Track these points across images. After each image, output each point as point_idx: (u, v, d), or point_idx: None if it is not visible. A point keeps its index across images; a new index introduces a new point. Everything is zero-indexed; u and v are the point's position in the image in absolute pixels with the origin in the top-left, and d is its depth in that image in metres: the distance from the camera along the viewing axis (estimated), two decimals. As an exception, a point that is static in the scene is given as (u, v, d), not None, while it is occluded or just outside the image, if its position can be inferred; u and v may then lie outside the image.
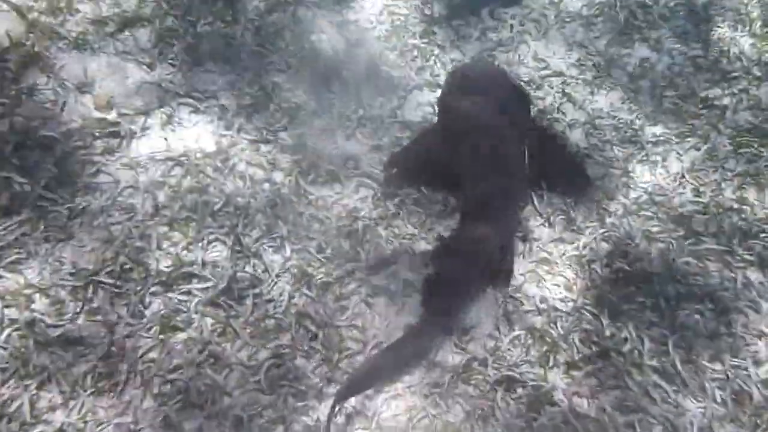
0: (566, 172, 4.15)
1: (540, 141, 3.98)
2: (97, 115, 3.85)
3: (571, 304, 3.62)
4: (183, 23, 4.35)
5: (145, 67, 4.14)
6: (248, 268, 3.53)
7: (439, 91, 4.26)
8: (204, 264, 3.49)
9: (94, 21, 4.21)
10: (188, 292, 3.39)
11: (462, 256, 3.53)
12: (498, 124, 3.82)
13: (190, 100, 4.05)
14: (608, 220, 3.95)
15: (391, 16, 4.79)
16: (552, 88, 4.60)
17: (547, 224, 3.93)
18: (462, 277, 3.51)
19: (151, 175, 3.74)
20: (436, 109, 4.24)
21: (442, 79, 4.52)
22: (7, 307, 3.15)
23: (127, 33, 4.24)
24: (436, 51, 4.70)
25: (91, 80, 3.98)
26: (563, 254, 3.82)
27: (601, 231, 3.91)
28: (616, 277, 3.74)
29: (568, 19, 5.01)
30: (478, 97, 3.88)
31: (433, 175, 4.00)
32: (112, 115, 3.87)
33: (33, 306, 3.20)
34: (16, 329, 3.12)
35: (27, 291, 3.23)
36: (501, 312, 3.57)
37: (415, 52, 4.65)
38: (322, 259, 3.62)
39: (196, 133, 3.96)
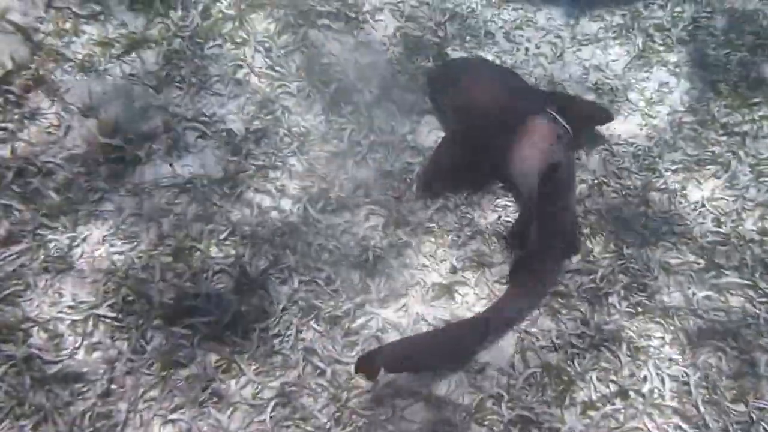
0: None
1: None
2: (102, 140, 3.75)
3: (588, 339, 3.49)
4: (191, 45, 4.25)
5: (151, 90, 4.04)
6: (254, 301, 3.42)
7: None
8: (208, 296, 3.38)
9: (101, 42, 4.12)
10: (191, 327, 3.27)
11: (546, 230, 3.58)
12: (522, 103, 4.07)
13: (197, 125, 3.95)
14: (626, 251, 3.81)
15: (404, 38, 4.68)
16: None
17: (563, 255, 3.81)
18: (548, 251, 3.62)
19: (155, 203, 3.64)
20: (447, 112, 4.28)
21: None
22: (3, 342, 3.04)
23: (133, 55, 4.15)
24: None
25: (97, 104, 3.88)
26: (579, 286, 3.69)
27: (619, 263, 3.77)
28: (634, 311, 3.61)
29: (584, 42, 4.90)
30: (487, 84, 4.17)
31: (470, 176, 4.05)
32: (116, 141, 3.76)
33: (30, 341, 3.10)
34: (12, 365, 3.01)
35: (24, 325, 3.12)
36: (516, 347, 3.45)
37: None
38: (331, 292, 3.51)
39: (203, 160, 3.85)
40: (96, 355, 3.14)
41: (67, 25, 4.12)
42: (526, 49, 4.81)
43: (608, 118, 4.32)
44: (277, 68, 4.30)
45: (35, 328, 3.13)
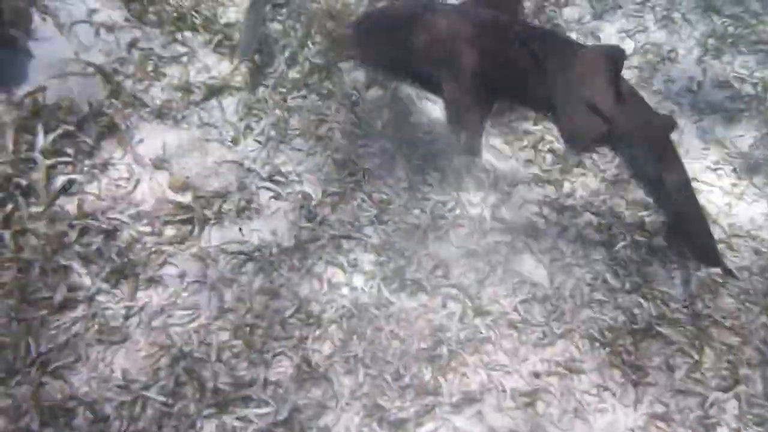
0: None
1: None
2: (171, 196, 3.54)
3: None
4: (274, 94, 4.00)
5: (228, 142, 3.81)
6: (314, 393, 3.12)
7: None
8: (266, 383, 3.11)
9: (180, 87, 3.92)
10: (245, 418, 3.01)
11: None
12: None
13: (272, 185, 3.69)
14: (741, 371, 3.32)
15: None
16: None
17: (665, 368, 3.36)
18: None
19: (220, 270, 3.40)
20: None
21: (552, 175, 4.02)
22: (44, 425, 2.84)
23: (213, 102, 3.93)
24: (549, 139, 4.18)
25: (169, 156, 3.67)
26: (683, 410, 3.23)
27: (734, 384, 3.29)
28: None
29: (707, 111, 4.39)
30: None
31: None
32: (186, 198, 3.54)
33: (74, 422, 2.89)
34: (50, 452, 2.82)
35: (70, 404, 2.92)
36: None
37: (525, 141, 4.14)
38: (399, 389, 3.18)
39: (274, 224, 3.59)
40: (140, 444, 2.92)
41: (149, 68, 3.93)
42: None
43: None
44: (362, 125, 4.00)
45: (80, 408, 2.93)
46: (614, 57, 4.06)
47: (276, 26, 4.28)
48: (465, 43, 4.08)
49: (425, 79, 4.22)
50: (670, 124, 3.98)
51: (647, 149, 4.10)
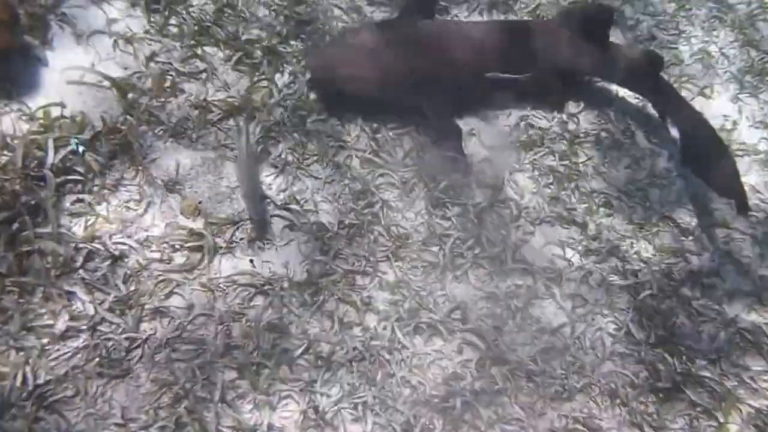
0: None
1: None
2: (182, 221, 3.41)
3: None
4: (293, 116, 3.85)
5: (244, 165, 3.67)
6: (319, 440, 3.00)
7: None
8: (270, 429, 2.97)
9: (197, 105, 3.78)
10: (245, 465, 2.88)
11: None
12: None
13: (287, 213, 3.55)
14: (770, 439, 3.17)
15: (528, 129, 4.14)
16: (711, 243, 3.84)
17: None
18: None
19: (229, 303, 3.26)
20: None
21: (578, 215, 3.86)
22: (35, 466, 2.73)
23: (231, 122, 3.79)
24: (577, 177, 4.02)
25: (183, 178, 3.54)
26: None
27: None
28: None
29: (740, 153, 4.21)
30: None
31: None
32: (198, 224, 3.41)
33: (66, 463, 2.78)
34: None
35: (65, 443, 2.81)
36: None
37: (551, 177, 3.98)
38: (408, 442, 3.04)
39: (287, 256, 3.45)
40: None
41: (166, 83, 3.79)
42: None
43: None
44: (382, 154, 3.85)
45: (76, 448, 2.81)
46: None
47: (297, 45, 4.13)
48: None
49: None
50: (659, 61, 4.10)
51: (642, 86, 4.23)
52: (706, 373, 3.45)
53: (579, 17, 4.14)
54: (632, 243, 3.89)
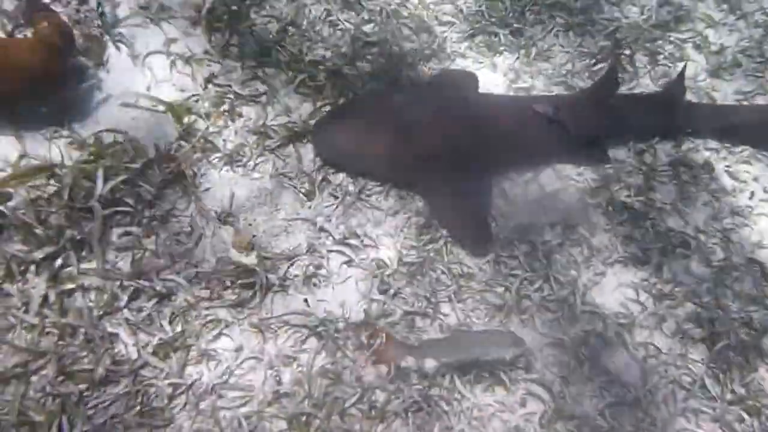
0: None
1: None
2: (235, 256, 3.26)
3: None
4: (355, 143, 3.68)
5: (302, 195, 3.52)
6: (370, 504, 2.83)
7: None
8: (320, 491, 2.82)
9: (256, 131, 3.64)
10: None
11: None
12: None
13: (345, 249, 3.39)
14: None
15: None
16: None
17: None
18: None
19: (280, 346, 3.11)
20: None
21: (652, 256, 3.61)
22: None
23: (290, 149, 3.64)
24: (653, 215, 3.76)
25: (237, 210, 3.40)
26: None
27: None
28: None
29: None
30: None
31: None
32: (250, 259, 3.26)
33: None
34: None
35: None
36: None
37: (626, 215, 3.73)
38: (465, 504, 2.86)
39: (343, 295, 3.28)
40: None
41: (224, 107, 3.66)
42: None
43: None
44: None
45: None
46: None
47: (364, 67, 3.95)
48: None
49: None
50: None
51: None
52: (790, 439, 3.18)
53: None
54: (709, 288, 3.61)
